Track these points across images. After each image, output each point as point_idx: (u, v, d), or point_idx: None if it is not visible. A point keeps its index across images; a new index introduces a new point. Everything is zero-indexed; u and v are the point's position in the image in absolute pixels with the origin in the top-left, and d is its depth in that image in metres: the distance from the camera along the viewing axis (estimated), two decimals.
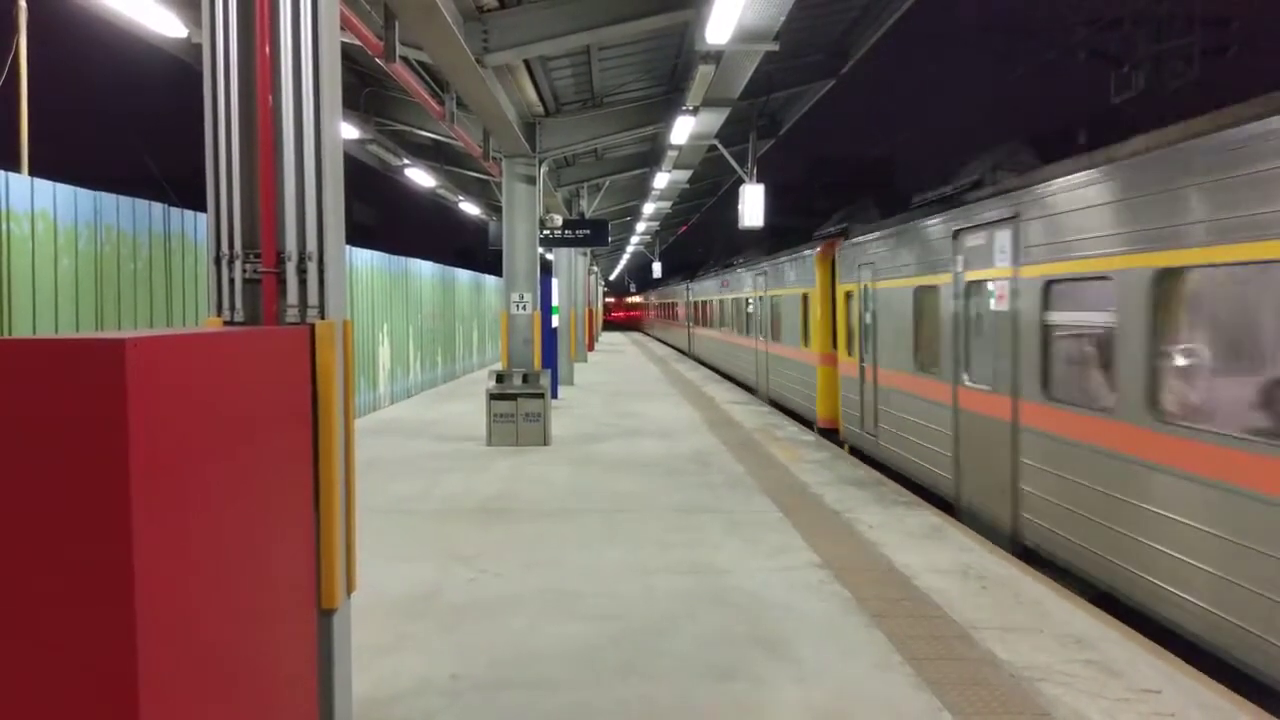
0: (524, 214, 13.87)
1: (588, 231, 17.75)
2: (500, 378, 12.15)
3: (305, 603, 3.35)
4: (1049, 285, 6.94)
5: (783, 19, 8.15)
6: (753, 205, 14.85)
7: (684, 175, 18.38)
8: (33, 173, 7.12)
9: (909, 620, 5.31)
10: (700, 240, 61.52)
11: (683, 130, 12.97)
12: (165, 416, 2.29)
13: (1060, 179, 6.79)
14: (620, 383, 21.91)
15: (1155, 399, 5.55)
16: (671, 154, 15.58)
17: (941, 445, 9.14)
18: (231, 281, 3.65)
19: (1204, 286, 5.20)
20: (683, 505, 8.33)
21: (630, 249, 45.78)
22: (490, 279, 28.69)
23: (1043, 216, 7.00)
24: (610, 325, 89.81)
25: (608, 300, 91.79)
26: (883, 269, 11.15)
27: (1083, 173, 6.46)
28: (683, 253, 66.25)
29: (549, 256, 24.06)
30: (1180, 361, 5.43)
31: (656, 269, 52.40)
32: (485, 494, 8.86)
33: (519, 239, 13.84)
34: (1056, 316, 6.90)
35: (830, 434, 13.89)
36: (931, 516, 7.88)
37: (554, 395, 16.70)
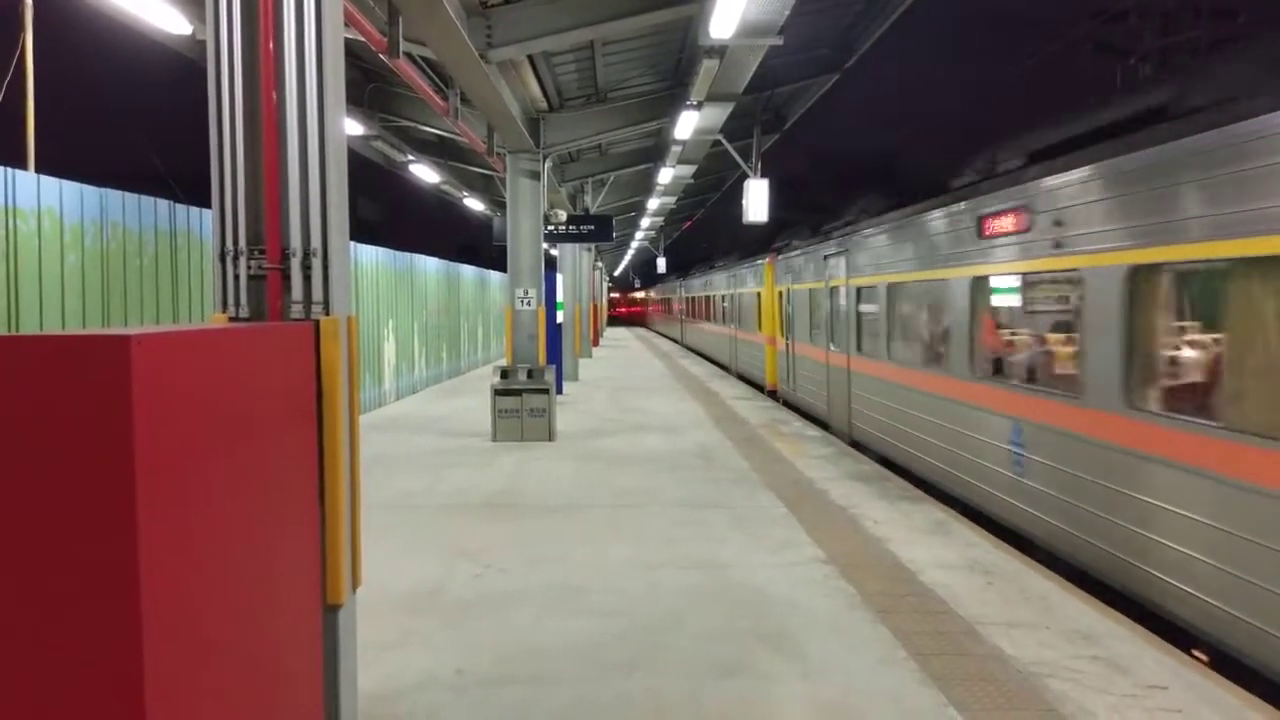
0: (528, 210, 13.85)
1: (592, 227, 17.72)
2: (505, 373, 12.16)
3: (310, 598, 3.36)
4: (859, 290, 12.30)
5: (787, 13, 8.12)
6: (757, 200, 14.83)
7: (688, 170, 18.34)
8: (39, 170, 7.14)
9: (914, 616, 5.30)
10: (705, 235, 61.48)
11: (687, 125, 12.95)
12: (170, 413, 2.29)
13: (862, 229, 12.22)
14: (625, 378, 21.91)
15: (890, 350, 10.90)
16: (676, 149, 15.54)
17: (820, 388, 14.67)
18: (236, 278, 3.65)
19: (916, 291, 10.10)
20: (687, 500, 8.33)
21: (635, 244, 45.74)
22: (495, 275, 28.70)
23: (857, 250, 12.46)
24: (615, 320, 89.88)
25: (612, 296, 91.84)
26: (795, 276, 16.69)
27: (870, 228, 11.83)
28: (688, 248, 66.25)
29: (553, 252, 24.02)
30: (900, 331, 10.75)
31: (661, 264, 52.40)
32: (490, 489, 8.87)
33: (523, 235, 13.82)
34: (863, 307, 12.14)
35: (775, 396, 18.61)
36: (937, 512, 7.87)
37: (559, 391, 16.69)
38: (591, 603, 5.56)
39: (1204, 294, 5.51)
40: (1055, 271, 7.07)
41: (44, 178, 6.92)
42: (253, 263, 3.64)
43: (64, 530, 2.13)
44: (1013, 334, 8.18)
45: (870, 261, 11.73)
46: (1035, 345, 7.67)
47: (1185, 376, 5.68)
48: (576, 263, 24.84)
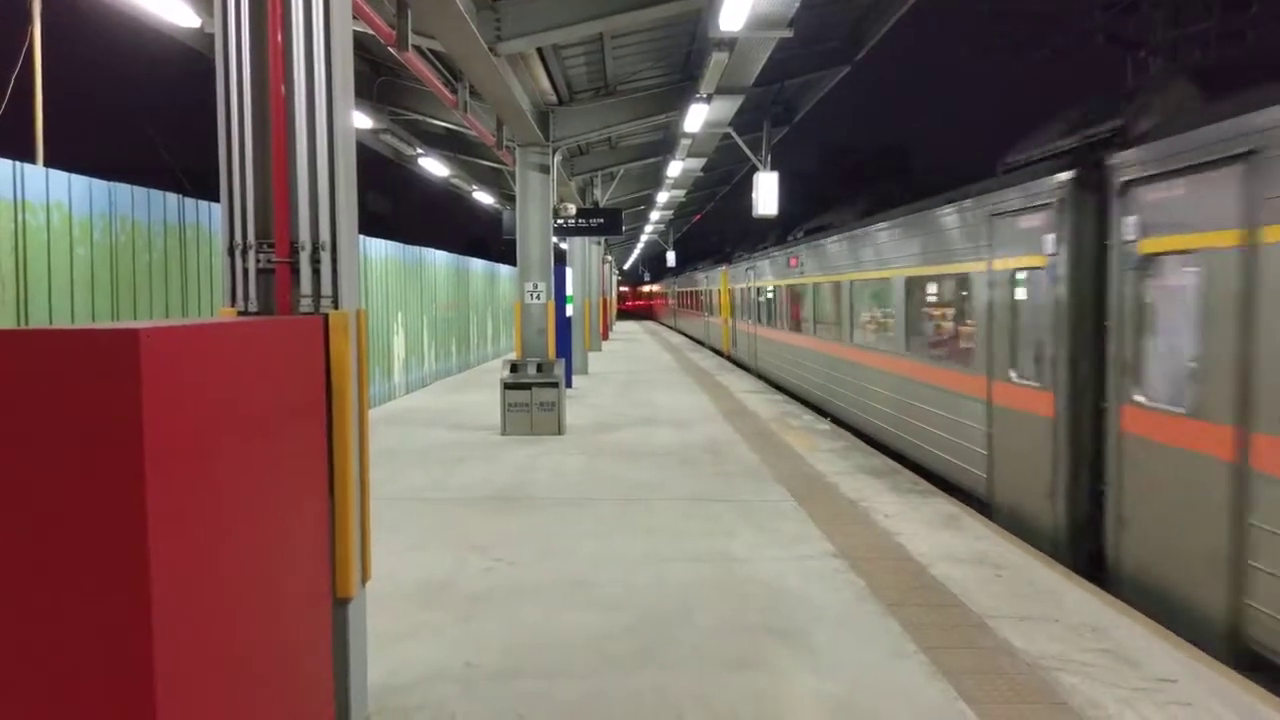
0: (538, 203, 13.85)
1: (601, 220, 17.71)
2: (515, 367, 12.16)
3: (320, 592, 3.36)
4: (757, 289, 21.85)
5: (797, 5, 8.10)
6: (767, 193, 14.79)
7: (698, 163, 18.31)
8: (48, 164, 7.15)
9: (924, 609, 5.29)
10: (715, 228, 61.52)
11: (696, 118, 12.92)
12: (180, 407, 2.29)
13: (758, 255, 21.85)
14: (634, 371, 21.91)
15: (769, 322, 20.26)
16: (685, 142, 15.51)
17: (750, 347, 23.35)
18: (245, 272, 3.66)
19: (775, 290, 19.46)
20: (697, 494, 8.33)
21: (644, 238, 45.70)
22: (504, 268, 28.72)
23: (756, 267, 22.03)
24: (624, 314, 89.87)
25: (622, 289, 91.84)
26: (733, 279, 26.57)
27: (760, 255, 21.58)
28: (697, 241, 66.24)
29: (563, 246, 24.03)
30: (774, 312, 19.63)
31: (670, 258, 52.44)
32: (500, 483, 8.88)
33: (533, 228, 13.82)
34: (760, 299, 21.48)
35: (728, 357, 28.01)
36: (947, 505, 7.85)
37: (568, 384, 16.70)
38: (601, 596, 5.57)
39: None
40: (814, 283, 15.59)
41: (53, 171, 6.95)
42: (261, 256, 3.65)
43: (74, 523, 2.13)
44: (803, 310, 16.71)
45: (760, 274, 21.49)
46: (810, 317, 16.15)
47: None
48: (586, 256, 24.84)
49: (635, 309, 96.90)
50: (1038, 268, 7.37)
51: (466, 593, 5.64)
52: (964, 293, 8.98)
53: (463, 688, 4.28)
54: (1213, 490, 5.30)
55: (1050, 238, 7.15)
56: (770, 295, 20.17)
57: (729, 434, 11.91)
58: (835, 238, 14.07)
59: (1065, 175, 6.93)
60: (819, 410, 15.07)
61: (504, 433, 11.92)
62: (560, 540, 6.82)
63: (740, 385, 18.54)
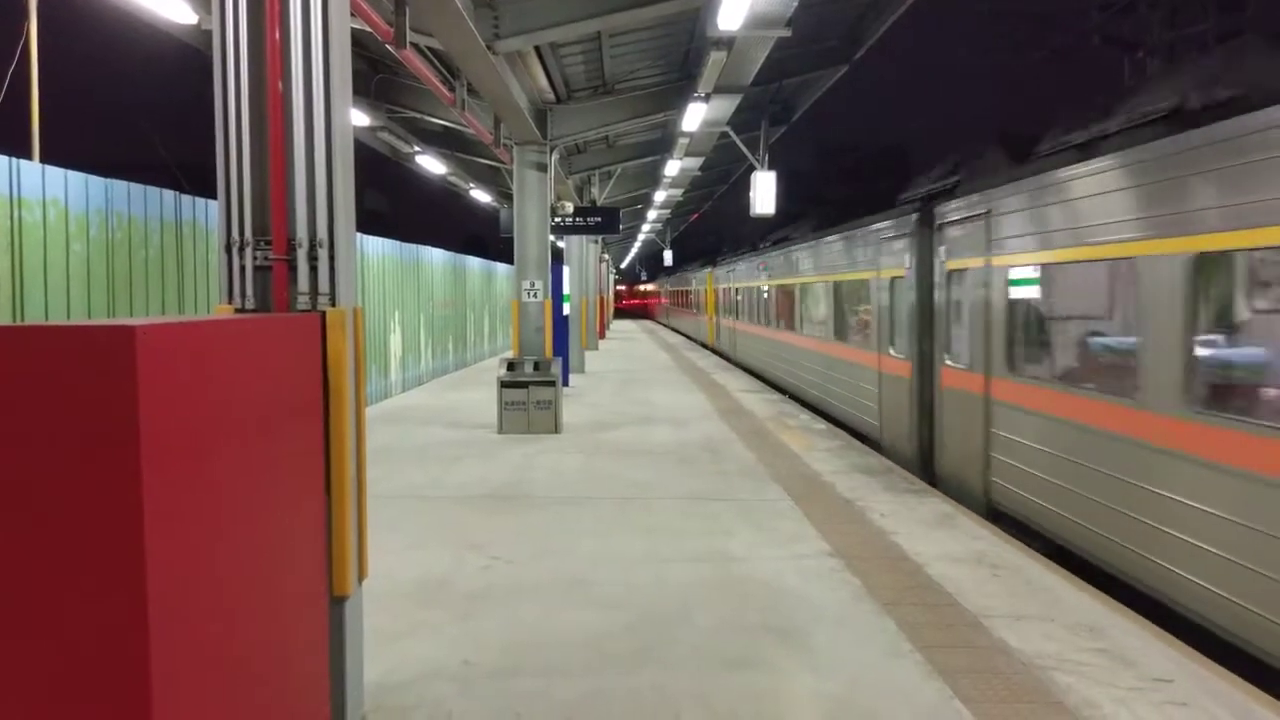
0: (535, 201, 13.83)
1: (599, 219, 17.70)
2: (512, 365, 12.16)
3: (317, 590, 3.36)
4: (735, 290, 25.65)
5: (795, 4, 8.10)
6: (764, 192, 14.79)
7: (695, 162, 18.32)
8: (44, 160, 7.14)
9: (920, 608, 5.30)
10: (712, 227, 61.49)
11: (694, 117, 12.92)
12: (176, 404, 2.29)
13: (733, 259, 26.69)
14: (632, 370, 21.91)
15: (742, 317, 24.45)
16: (683, 141, 15.51)
17: (730, 340, 26.74)
18: (242, 269, 3.65)
19: (749, 291, 23.18)
20: (695, 493, 8.33)
21: (642, 236, 45.71)
22: (501, 267, 28.70)
23: (736, 268, 25.53)
24: (621, 313, 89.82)
25: (619, 288, 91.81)
26: (718, 280, 29.89)
27: (738, 259, 25.75)
28: (695, 240, 66.25)
29: (560, 244, 24.04)
30: (752, 310, 22.93)
31: (668, 257, 52.48)
32: (497, 481, 8.87)
33: (530, 226, 13.81)
34: (737, 298, 25.39)
35: (714, 350, 31.43)
36: (942, 505, 7.86)
37: (565, 383, 16.69)
38: (599, 594, 5.56)
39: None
40: (773, 285, 19.39)
41: (49, 167, 6.93)
42: (259, 254, 3.64)
43: (69, 522, 2.12)
44: (767, 307, 20.37)
45: (737, 277, 25.07)
46: (771, 313, 19.71)
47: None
48: (583, 255, 24.83)
49: (632, 308, 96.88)
50: (901, 277, 10.58)
51: (464, 591, 5.64)
52: (865, 293, 12.18)
53: (460, 686, 4.27)
54: (976, 414, 8.49)
55: (907, 256, 10.31)
56: (740, 296, 24.72)
57: (726, 433, 11.91)
58: (785, 249, 18.03)
59: (914, 215, 10.16)
60: (778, 388, 18.52)
61: (501, 431, 11.92)
62: (558, 539, 6.82)
63: (737, 384, 18.54)
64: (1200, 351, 5.38)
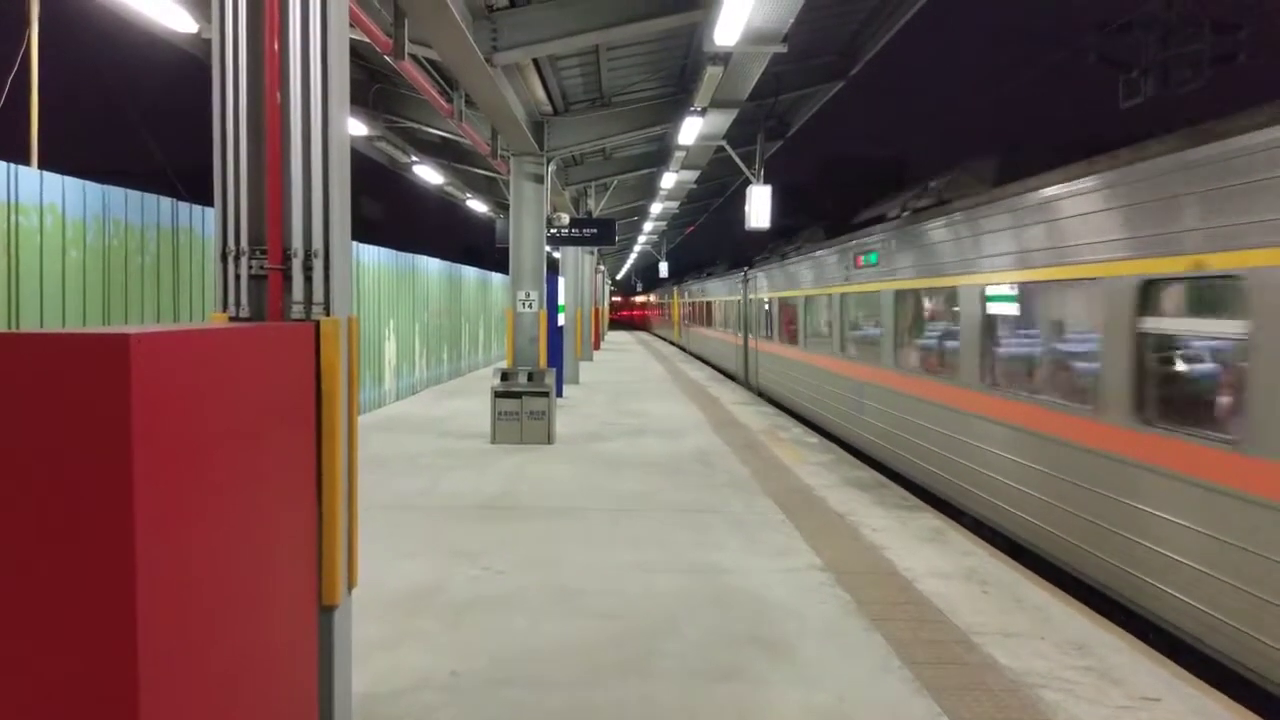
0: (531, 212, 13.87)
1: (595, 231, 17.73)
2: (505, 375, 12.17)
3: (306, 599, 3.36)
4: (690, 304, 38.94)
5: (791, 20, 8.14)
6: (760, 206, 14.84)
7: (691, 176, 18.37)
8: (42, 166, 7.15)
9: (909, 624, 5.31)
10: (708, 240, 61.67)
11: (690, 131, 12.97)
12: (169, 412, 2.30)
13: (697, 280, 37.75)
14: (625, 382, 21.93)
15: (696, 322, 36.85)
16: (679, 154, 15.57)
17: (694, 341, 37.14)
18: (238, 277, 3.66)
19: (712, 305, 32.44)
20: (686, 505, 8.33)
21: (637, 248, 45.80)
22: (497, 276, 28.72)
23: (691, 288, 38.71)
24: (616, 324, 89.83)
25: (614, 299, 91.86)
26: (682, 295, 42.97)
27: (699, 280, 38.37)
28: (690, 252, 66.39)
29: (556, 255, 24.06)
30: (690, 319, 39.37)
31: (663, 269, 52.59)
32: (489, 491, 8.87)
33: (526, 237, 13.84)
34: (691, 309, 38.47)
35: (680, 349, 41.67)
36: (934, 520, 7.87)
37: (559, 393, 16.70)
38: (588, 605, 5.57)
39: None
40: (708, 300, 33.26)
41: (46, 174, 6.94)
42: (254, 263, 3.65)
43: (60, 529, 2.13)
44: (707, 315, 33.60)
45: (692, 295, 37.18)
46: (708, 319, 32.98)
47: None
48: (579, 266, 24.86)
49: (627, 319, 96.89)
50: (737, 299, 24.26)
51: (453, 601, 5.64)
52: (738, 307, 23.40)
53: (448, 696, 4.27)
54: (754, 354, 21.80)
55: (740, 289, 23.69)
56: (690, 308, 35.98)
57: (719, 445, 11.92)
58: (704, 277, 30.89)
59: (741, 271, 23.84)
60: (716, 367, 28.53)
61: (494, 441, 11.92)
62: (549, 549, 6.82)
63: (730, 397, 18.57)
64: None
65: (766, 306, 20.25)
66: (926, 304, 10.00)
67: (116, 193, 7.81)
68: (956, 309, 8.87)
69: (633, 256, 53.64)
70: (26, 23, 7.18)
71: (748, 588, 5.96)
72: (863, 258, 12.18)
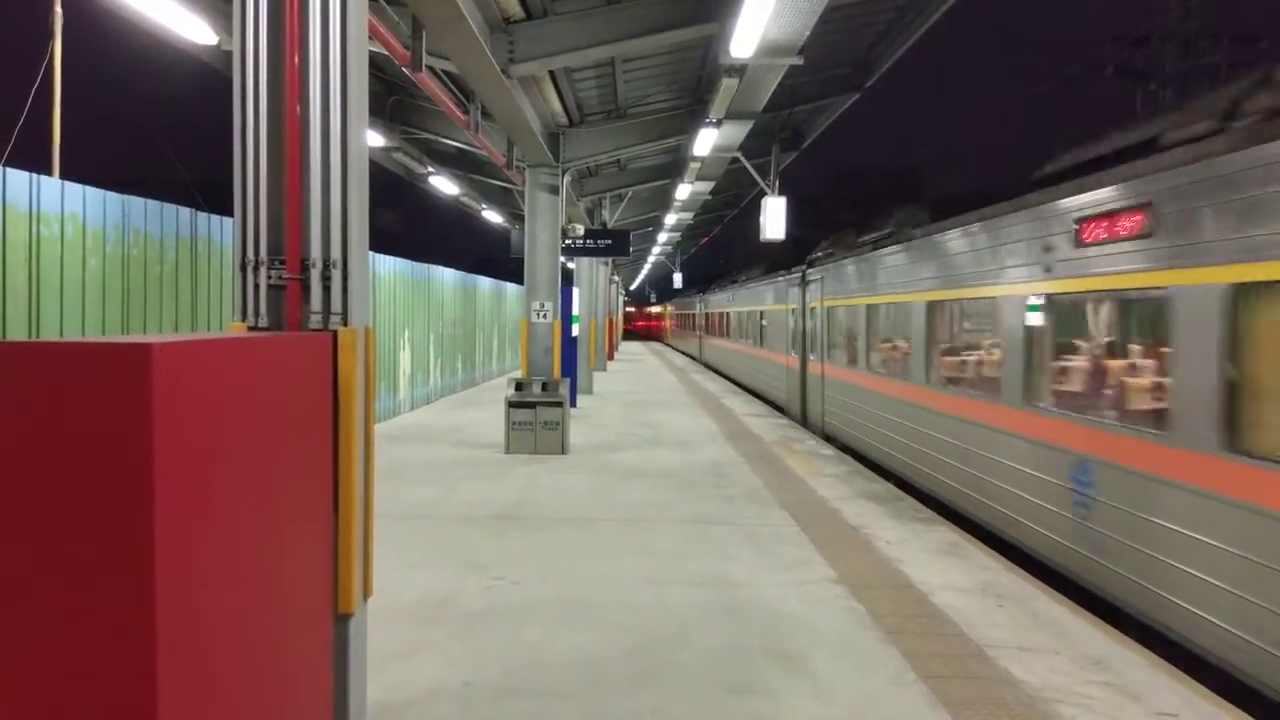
0: (546, 223, 13.92)
1: (609, 241, 17.77)
2: (520, 385, 12.19)
3: (322, 607, 3.38)
4: (678, 315, 56.09)
5: (807, 33, 8.15)
6: (774, 217, 14.84)
7: (706, 187, 18.39)
8: (63, 176, 7.23)
9: (925, 638, 5.28)
10: (723, 251, 61.75)
11: (705, 142, 12.99)
12: (190, 421, 2.32)
13: (720, 290, 34.97)
14: (639, 392, 21.92)
15: (709, 333, 37.78)
16: (694, 166, 15.59)
17: (711, 353, 36.09)
18: (256, 287, 3.69)
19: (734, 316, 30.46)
20: (699, 517, 8.32)
21: (652, 259, 45.89)
22: (511, 287, 28.80)
23: (717, 296, 34.72)
24: (630, 335, 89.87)
25: (628, 310, 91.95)
26: (673, 307, 60.55)
27: (681, 295, 53.43)
28: (705, 263, 66.49)
29: (570, 265, 24.14)
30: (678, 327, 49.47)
31: (677, 279, 52.67)
32: (503, 501, 8.89)
33: (541, 248, 13.88)
34: (681, 318, 53.44)
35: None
36: (950, 533, 7.84)
37: (573, 404, 16.71)
38: (601, 617, 5.57)
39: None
40: (705, 312, 38.87)
41: (68, 183, 7.02)
42: (273, 273, 3.68)
43: (81, 538, 2.15)
44: (695, 325, 43.46)
45: (680, 308, 52.86)
46: (698, 328, 40.94)
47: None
48: (593, 276, 24.90)
49: (642, 329, 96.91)
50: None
51: (466, 611, 5.65)
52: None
53: (461, 706, 4.28)
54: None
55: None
56: (679, 319, 37.98)
57: (732, 456, 11.90)
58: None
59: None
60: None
61: (508, 451, 11.94)
62: (561, 560, 6.82)
63: (744, 409, 18.54)
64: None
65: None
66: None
67: (136, 202, 7.88)
68: None
69: (647, 267, 53.74)
70: (50, 35, 7.27)
71: (761, 600, 5.94)
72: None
